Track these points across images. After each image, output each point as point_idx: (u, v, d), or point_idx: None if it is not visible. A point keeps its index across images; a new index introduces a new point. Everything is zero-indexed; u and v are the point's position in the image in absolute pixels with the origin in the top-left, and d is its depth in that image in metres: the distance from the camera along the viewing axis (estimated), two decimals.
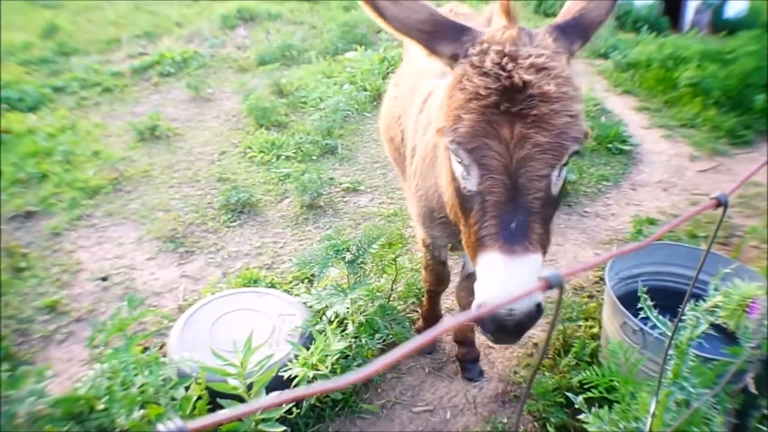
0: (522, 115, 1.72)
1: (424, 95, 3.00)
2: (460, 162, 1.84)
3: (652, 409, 1.93)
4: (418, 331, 4.17)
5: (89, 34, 12.20)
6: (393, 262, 4.48)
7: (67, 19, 13.23)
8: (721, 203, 1.28)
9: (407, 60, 3.98)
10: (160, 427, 0.69)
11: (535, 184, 1.76)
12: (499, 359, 4.06)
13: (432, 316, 4.13)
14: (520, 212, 1.74)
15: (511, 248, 1.71)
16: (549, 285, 0.86)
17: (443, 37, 1.89)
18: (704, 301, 2.01)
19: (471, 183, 1.83)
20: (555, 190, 1.85)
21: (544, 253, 1.83)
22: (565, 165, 1.85)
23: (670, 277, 3.93)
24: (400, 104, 3.53)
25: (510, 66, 1.74)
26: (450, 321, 0.78)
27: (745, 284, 1.90)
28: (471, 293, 3.56)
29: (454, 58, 1.89)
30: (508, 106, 1.72)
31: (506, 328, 1.75)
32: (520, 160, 1.73)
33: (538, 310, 1.76)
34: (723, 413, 2.13)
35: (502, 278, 1.71)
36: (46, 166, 6.66)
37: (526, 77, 1.72)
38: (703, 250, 3.96)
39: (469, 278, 3.56)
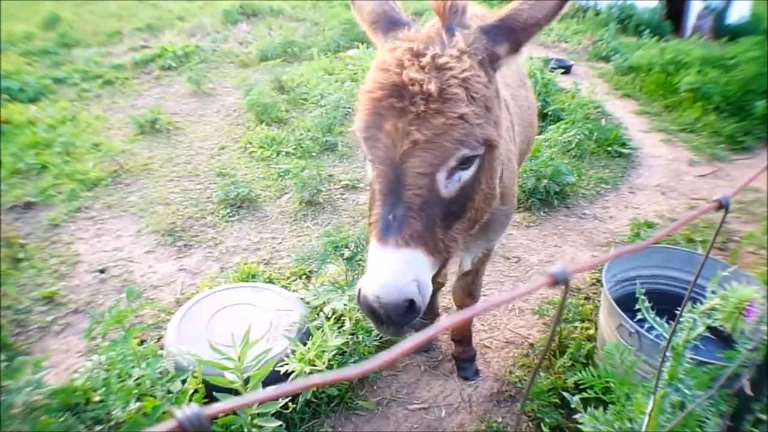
0: (405, 112, 1.76)
1: None
2: (361, 150, 1.95)
3: (649, 408, 1.94)
4: (415, 329, 4.17)
5: (91, 26, 12.20)
6: None
7: (69, 11, 13.23)
8: (722, 206, 1.29)
9: None
10: (177, 413, 0.69)
11: (416, 180, 1.79)
12: (495, 359, 4.07)
13: (429, 315, 4.14)
14: (399, 206, 1.78)
15: (385, 239, 1.76)
16: (555, 281, 0.87)
17: (382, 28, 1.98)
18: (701, 304, 2.02)
19: (369, 172, 1.93)
20: (446, 192, 1.87)
21: (435, 254, 1.86)
22: (460, 169, 1.87)
23: (667, 280, 3.95)
24: None
25: (408, 63, 1.79)
26: (447, 320, 0.79)
27: (742, 287, 1.91)
28: (467, 293, 3.59)
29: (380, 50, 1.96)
30: (394, 101, 1.77)
31: (377, 316, 1.79)
32: (402, 155, 1.78)
33: (410, 307, 1.78)
34: (718, 416, 2.15)
35: (373, 266, 1.78)
36: (45, 158, 6.65)
37: (414, 75, 1.76)
38: (700, 254, 3.97)
39: (465, 277, 3.56)
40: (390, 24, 1.95)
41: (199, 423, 0.69)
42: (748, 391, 2.11)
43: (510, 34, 1.96)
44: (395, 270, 1.74)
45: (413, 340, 0.84)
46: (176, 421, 0.68)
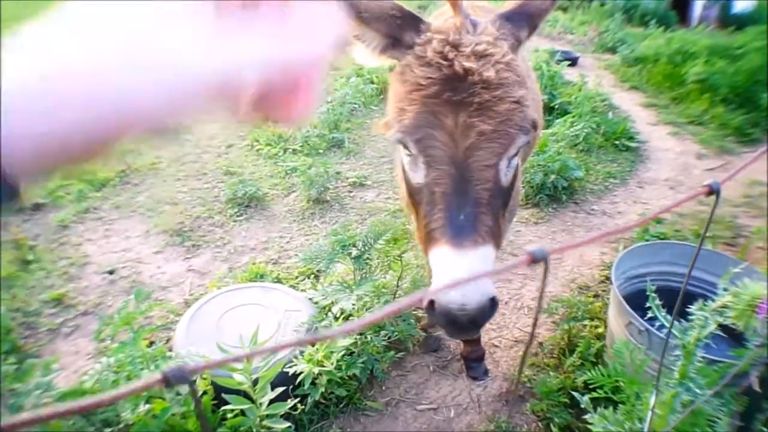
0: (465, 104, 1.70)
1: None
2: (408, 154, 1.83)
3: (651, 403, 1.93)
4: (424, 329, 4.17)
5: None
6: (399, 258, 4.48)
7: None
8: (713, 191, 1.28)
9: None
10: (164, 368, 0.75)
11: (483, 174, 1.73)
12: (504, 358, 4.06)
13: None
14: (469, 204, 1.71)
15: (460, 242, 1.67)
16: (534, 259, 0.87)
17: (410, 25, 1.85)
18: (712, 301, 2.00)
19: (419, 175, 1.81)
20: (505, 180, 1.83)
21: (497, 246, 1.80)
22: (514, 155, 1.83)
23: (677, 277, 3.92)
24: None
25: (451, 55, 1.72)
26: (391, 306, 0.78)
27: (754, 284, 1.90)
28: None
29: (410, 48, 1.85)
30: (451, 95, 1.70)
31: (459, 323, 1.68)
32: (466, 150, 1.71)
33: (492, 305, 1.70)
34: (729, 415, 2.13)
35: (449, 271, 1.67)
36: None
37: (467, 65, 1.70)
38: (710, 250, 3.95)
39: None
40: (416, 20, 1.88)
41: (181, 376, 0.73)
42: (757, 388, 2.10)
43: (528, 19, 1.96)
44: (476, 272, 1.62)
45: (402, 301, 0.84)
46: (161, 375, 0.72)
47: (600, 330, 4.11)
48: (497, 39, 1.81)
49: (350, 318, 3.85)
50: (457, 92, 1.69)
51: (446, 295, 1.64)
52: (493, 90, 1.71)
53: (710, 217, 1.49)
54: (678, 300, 1.68)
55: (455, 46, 1.74)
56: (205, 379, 3.12)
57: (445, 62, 1.72)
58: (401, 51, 1.86)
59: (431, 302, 1.68)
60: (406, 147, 1.81)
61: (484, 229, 1.71)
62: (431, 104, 1.71)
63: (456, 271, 1.65)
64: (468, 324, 1.68)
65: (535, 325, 1.06)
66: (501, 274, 0.95)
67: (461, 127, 1.70)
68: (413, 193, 1.89)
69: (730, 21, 13.55)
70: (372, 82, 8.65)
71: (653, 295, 2.26)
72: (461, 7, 1.85)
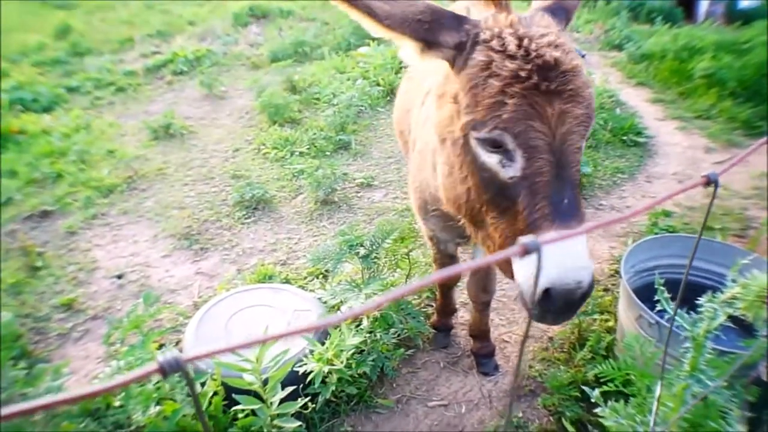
0: (559, 92, 1.72)
1: (426, 90, 2.98)
2: (496, 151, 1.80)
3: (657, 393, 1.91)
4: (434, 326, 4.17)
5: (102, 34, 12.28)
6: (406, 257, 4.47)
7: (81, 20, 13.32)
8: (710, 181, 1.27)
9: None
10: (159, 357, 0.75)
11: (576, 156, 1.78)
12: (514, 353, 4.05)
13: (446, 310, 4.13)
14: (567, 188, 1.73)
15: (569, 224, 1.70)
16: (527, 250, 0.88)
17: (446, 26, 1.84)
18: (721, 293, 1.99)
19: (514, 169, 1.79)
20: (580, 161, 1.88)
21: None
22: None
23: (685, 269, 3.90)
24: (409, 98, 3.50)
25: (534, 46, 1.74)
26: (420, 281, 0.79)
27: (763, 275, 1.88)
28: (481, 288, 3.58)
29: (458, 48, 1.85)
30: (548, 85, 1.71)
31: (574, 302, 1.73)
32: (563, 136, 1.74)
33: (593, 280, 1.74)
34: (739, 406, 2.12)
35: (569, 255, 1.69)
36: (61, 166, 6.71)
37: (555, 54, 1.73)
38: (719, 242, 3.93)
39: (480, 271, 3.56)
40: (455, 19, 1.86)
41: (177, 365, 0.75)
42: (765, 378, 2.09)
43: (566, 13, 2.03)
44: (584, 252, 1.72)
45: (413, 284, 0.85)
46: (157, 364, 0.74)
47: (610, 323, 4.09)
48: (559, 30, 1.86)
49: (359, 317, 3.85)
50: (551, 81, 1.72)
51: (567, 277, 1.68)
52: (580, 76, 1.77)
53: (709, 206, 1.49)
54: (680, 290, 1.67)
55: (530, 38, 1.76)
56: (215, 380, 3.12)
57: (532, 53, 1.74)
58: (443, 51, 1.88)
59: (546, 290, 1.70)
60: (497, 144, 1.79)
61: (582, 208, 1.78)
62: (530, 95, 1.72)
63: (572, 253, 1.69)
64: (580, 301, 1.74)
65: (530, 320, 1.05)
66: (489, 262, 0.95)
67: (557, 114, 1.73)
68: (500, 191, 1.86)
69: (737, 17, 13.51)
70: (378, 85, 8.66)
71: (662, 288, 2.25)
72: (503, 2, 1.92)
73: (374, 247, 3.90)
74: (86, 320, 4.49)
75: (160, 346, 3.89)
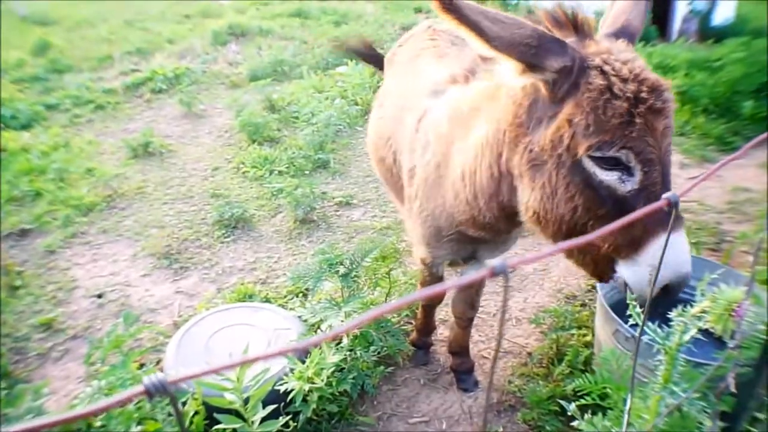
0: (663, 109, 1.90)
1: (418, 115, 3.02)
2: (615, 168, 1.93)
3: (628, 405, 1.96)
4: (413, 343, 4.19)
5: (82, 52, 12.24)
6: (387, 276, 4.51)
7: (60, 37, 13.28)
8: (671, 204, 1.38)
9: (390, 79, 4.00)
10: (144, 379, 0.77)
11: (669, 165, 1.98)
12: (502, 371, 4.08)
13: (426, 329, 4.16)
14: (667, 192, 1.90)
15: (677, 226, 1.93)
16: (494, 273, 0.92)
17: (552, 51, 1.93)
18: (692, 306, 2.04)
19: (632, 183, 1.94)
20: None
21: None
22: None
23: None
24: (387, 125, 3.53)
25: (637, 70, 1.91)
26: (405, 298, 0.83)
27: (730, 289, 1.94)
28: (469, 304, 3.62)
29: (563, 72, 1.94)
30: (657, 104, 1.88)
31: (683, 287, 2.02)
32: (665, 147, 1.94)
33: None
34: (712, 417, 2.16)
35: (686, 250, 1.99)
36: (40, 184, 6.67)
37: (654, 75, 1.93)
38: (694, 256, 3.98)
39: (468, 288, 3.61)
40: (559, 43, 1.97)
41: (162, 388, 0.76)
42: (733, 389, 2.14)
43: (630, 37, 2.17)
44: (686, 244, 2.01)
45: (411, 296, 0.88)
46: (143, 387, 0.76)
47: (588, 338, 4.14)
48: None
49: (338, 335, 3.87)
50: (658, 100, 1.89)
51: (681, 271, 1.97)
52: (671, 96, 1.95)
53: (669, 229, 1.60)
54: (647, 304, 1.75)
55: (631, 62, 1.93)
56: (196, 399, 3.12)
57: (641, 76, 1.90)
58: (545, 74, 1.96)
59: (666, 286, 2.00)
60: (617, 162, 1.93)
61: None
62: (647, 114, 1.88)
63: (683, 249, 1.98)
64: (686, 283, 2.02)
65: (500, 336, 1.09)
66: (459, 285, 0.99)
67: (662, 129, 1.91)
68: (614, 204, 1.98)
69: (710, 34, 13.68)
70: (356, 104, 8.70)
71: (633, 303, 2.29)
72: (586, 28, 2.05)
73: (354, 265, 3.93)
74: (66, 340, 4.48)
75: (141, 366, 3.89)
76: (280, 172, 7.01)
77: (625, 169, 1.92)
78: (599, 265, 2.15)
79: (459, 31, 1.88)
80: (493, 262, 0.86)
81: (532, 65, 1.93)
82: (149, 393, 0.76)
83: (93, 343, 3.32)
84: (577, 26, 2.03)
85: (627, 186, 1.93)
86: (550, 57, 1.92)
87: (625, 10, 2.23)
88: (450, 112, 2.72)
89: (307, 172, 7.09)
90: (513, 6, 15.23)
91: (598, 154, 1.91)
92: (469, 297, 3.66)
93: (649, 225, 1.92)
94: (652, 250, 1.93)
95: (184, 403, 3.14)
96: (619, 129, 1.87)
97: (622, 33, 2.14)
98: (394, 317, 4.42)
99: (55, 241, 5.71)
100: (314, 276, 3.91)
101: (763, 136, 1.88)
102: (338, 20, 13.82)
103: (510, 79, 2.03)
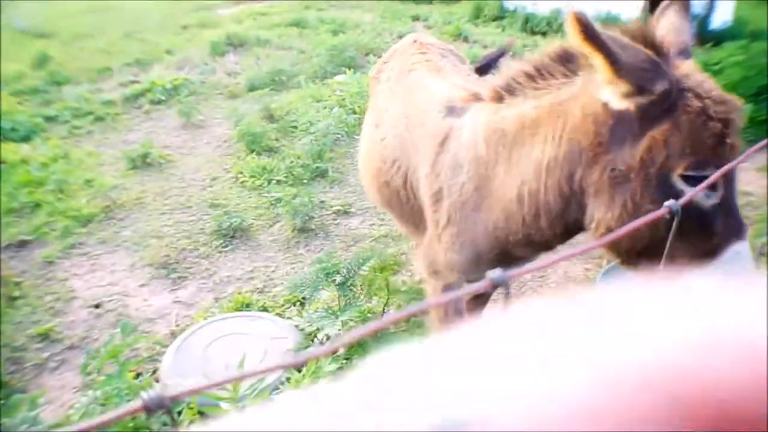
0: (740, 128, 2.02)
1: (438, 135, 2.89)
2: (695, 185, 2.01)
3: None
4: None
5: (81, 63, 12.25)
6: (384, 284, 4.51)
7: (59, 49, 13.29)
8: (672, 212, 1.40)
9: (380, 98, 3.76)
10: (143, 395, 0.77)
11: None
12: None
13: None
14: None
15: (745, 235, 2.10)
16: (494, 284, 0.93)
17: (659, 75, 1.97)
18: None
19: (714, 198, 2.02)
20: None
21: None
22: None
23: None
24: (392, 147, 3.33)
25: (717, 90, 2.01)
26: (407, 310, 0.83)
27: None
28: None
29: (664, 95, 1.97)
30: (739, 124, 2.01)
31: None
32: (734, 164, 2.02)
33: None
34: None
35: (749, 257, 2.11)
36: (39, 196, 6.68)
37: (731, 96, 2.03)
38: None
39: (477, 304, 3.65)
40: (662, 67, 2.02)
41: (160, 403, 0.76)
42: None
43: (688, 56, 2.23)
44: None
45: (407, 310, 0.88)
46: (141, 401, 0.76)
47: None
48: None
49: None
50: (740, 120, 2.02)
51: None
52: None
53: (670, 237, 1.60)
54: None
55: (709, 84, 2.03)
56: (191, 408, 3.13)
57: (724, 97, 2.00)
58: (648, 98, 1.98)
59: None
60: (705, 179, 1.99)
61: None
62: (732, 134, 1.98)
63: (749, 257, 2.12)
64: None
65: None
66: (463, 297, 1.00)
67: (735, 147, 2.01)
68: (697, 218, 2.03)
69: (708, 37, 13.68)
70: (354, 113, 8.71)
71: None
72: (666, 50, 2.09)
73: (351, 274, 3.94)
74: (63, 350, 4.48)
75: (137, 376, 3.89)
76: (279, 182, 7.02)
77: (711, 186, 1.96)
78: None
79: (591, 57, 1.93)
80: (492, 273, 0.86)
81: (642, 89, 1.97)
82: (148, 408, 0.77)
83: (90, 353, 3.33)
84: (655, 46, 2.05)
85: (710, 201, 2.01)
86: (658, 80, 1.96)
87: (682, 31, 2.28)
88: (487, 133, 2.60)
89: (305, 181, 7.10)
90: (510, 12, 15.30)
91: (692, 173, 1.97)
92: (479, 310, 3.67)
93: (729, 235, 2.04)
94: (726, 258, 2.05)
95: (179, 413, 3.15)
96: (714, 149, 1.96)
97: (685, 53, 2.20)
98: (391, 327, 4.42)
99: (54, 252, 5.72)
100: (311, 285, 3.92)
101: (764, 142, 1.94)
102: (336, 29, 13.84)
103: (611, 102, 2.06)
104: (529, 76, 2.41)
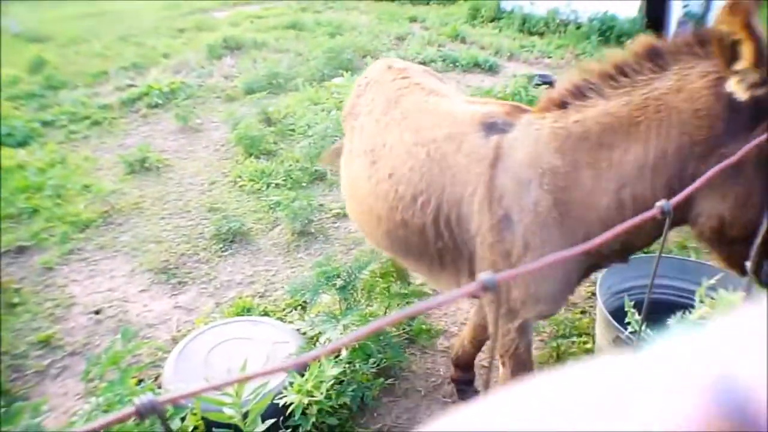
0: None
1: (489, 156, 2.59)
2: None
3: None
4: (454, 381, 4.03)
5: (77, 67, 12.23)
6: (386, 290, 4.47)
7: (55, 53, 13.27)
8: (664, 212, 1.38)
9: (365, 133, 3.33)
10: (135, 400, 0.78)
11: None
12: (494, 379, 4.06)
13: (468, 363, 3.98)
14: None
15: None
16: (484, 287, 0.91)
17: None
18: (691, 311, 2.03)
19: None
20: None
21: None
22: None
23: (662, 289, 3.96)
24: (412, 180, 2.88)
25: None
26: (412, 308, 0.82)
27: (729, 294, 1.94)
28: (485, 327, 3.55)
29: None
30: None
31: None
32: None
33: None
34: None
35: None
36: (36, 201, 6.66)
37: None
38: (693, 260, 3.99)
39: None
40: None
41: (152, 408, 0.77)
42: None
43: None
44: None
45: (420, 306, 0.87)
46: (134, 407, 0.77)
47: (588, 345, 4.13)
48: None
49: (337, 349, 3.84)
50: None
51: None
52: None
53: (664, 236, 1.58)
54: (643, 309, 1.74)
55: None
56: (195, 414, 3.11)
57: None
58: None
59: None
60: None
61: None
62: None
63: None
64: None
65: (493, 347, 1.08)
66: (450, 301, 0.98)
67: None
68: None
69: None
70: None
71: (631, 309, 2.29)
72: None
73: (351, 278, 3.93)
74: (64, 357, 4.46)
75: (139, 382, 3.87)
76: (277, 185, 7.01)
77: None
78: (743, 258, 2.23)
79: (744, 45, 1.94)
80: (482, 276, 0.83)
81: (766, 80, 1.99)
82: (140, 413, 0.76)
83: (91, 360, 3.30)
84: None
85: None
86: None
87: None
88: (559, 141, 2.43)
89: (304, 184, 7.09)
90: (508, 13, 15.30)
91: None
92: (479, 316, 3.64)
93: None
94: None
95: (183, 419, 3.13)
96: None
97: None
98: (393, 330, 4.40)
99: (53, 258, 5.70)
100: (312, 289, 3.91)
101: (760, 139, 1.89)
102: (333, 32, 13.84)
103: (736, 93, 2.06)
104: (607, 76, 2.35)
